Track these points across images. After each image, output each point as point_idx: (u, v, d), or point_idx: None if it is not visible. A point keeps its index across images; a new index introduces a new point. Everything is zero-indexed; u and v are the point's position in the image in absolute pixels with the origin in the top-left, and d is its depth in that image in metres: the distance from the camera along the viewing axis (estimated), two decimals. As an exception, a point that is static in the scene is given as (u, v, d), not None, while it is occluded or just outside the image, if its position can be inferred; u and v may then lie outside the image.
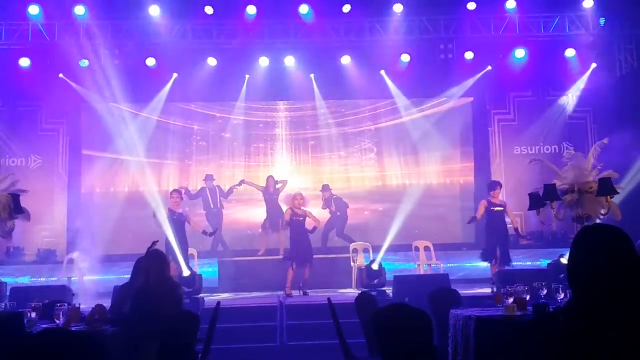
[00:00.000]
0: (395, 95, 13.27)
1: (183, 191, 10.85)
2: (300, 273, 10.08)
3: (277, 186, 11.80)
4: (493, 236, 10.02)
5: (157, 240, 5.31)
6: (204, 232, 10.25)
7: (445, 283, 8.15)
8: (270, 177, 12.00)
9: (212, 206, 12.12)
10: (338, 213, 12.25)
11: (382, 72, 13.16)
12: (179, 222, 9.74)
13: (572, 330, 2.16)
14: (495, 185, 10.37)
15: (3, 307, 5.72)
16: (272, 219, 11.69)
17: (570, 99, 13.45)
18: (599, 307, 2.14)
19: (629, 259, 2.20)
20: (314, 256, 10.29)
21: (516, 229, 10.50)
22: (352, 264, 11.08)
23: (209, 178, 12.34)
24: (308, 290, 10.06)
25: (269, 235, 11.84)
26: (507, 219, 10.32)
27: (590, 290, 2.19)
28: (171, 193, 10.19)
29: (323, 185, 12.37)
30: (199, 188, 12.47)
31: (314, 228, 10.28)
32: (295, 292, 9.95)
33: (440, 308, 5.45)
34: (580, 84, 13.18)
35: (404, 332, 4.19)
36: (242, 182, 12.26)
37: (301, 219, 10.08)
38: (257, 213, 12.48)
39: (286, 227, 10.40)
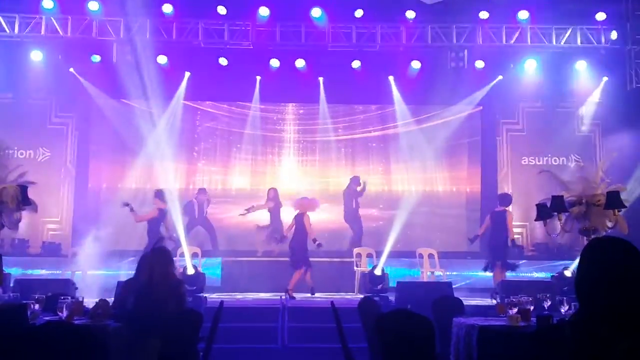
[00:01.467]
0: (404, 102, 13.26)
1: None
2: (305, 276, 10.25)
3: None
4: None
5: (164, 237, 5.31)
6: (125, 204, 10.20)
7: (448, 291, 8.13)
8: (274, 190, 12.15)
9: (197, 217, 12.15)
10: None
11: (391, 78, 13.17)
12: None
13: (579, 343, 2.14)
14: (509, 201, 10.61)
15: (7, 298, 5.74)
16: (274, 228, 11.83)
17: (580, 111, 13.41)
18: (605, 319, 2.12)
19: (637, 272, 2.19)
20: (319, 259, 10.49)
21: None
22: (355, 268, 11.08)
23: (202, 192, 12.33)
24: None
25: (269, 242, 11.84)
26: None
27: (597, 303, 2.18)
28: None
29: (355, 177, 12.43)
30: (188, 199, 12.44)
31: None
32: (299, 295, 10.00)
33: (443, 316, 5.43)
34: (591, 97, 13.15)
35: (407, 338, 4.18)
36: (250, 209, 12.26)
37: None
38: (259, 214, 12.47)
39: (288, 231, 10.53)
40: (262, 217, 12.30)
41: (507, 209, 10.42)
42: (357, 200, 12.34)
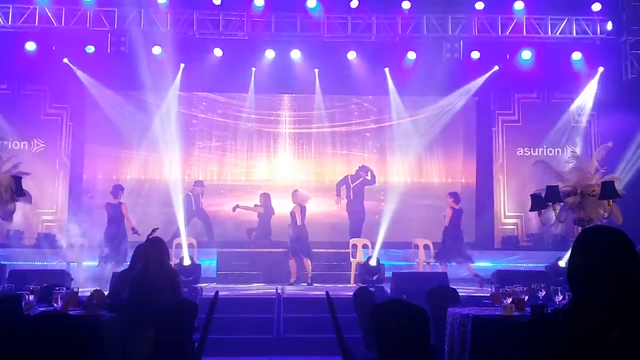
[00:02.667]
0: (399, 93, 13.23)
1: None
2: (301, 265, 10.69)
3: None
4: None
5: (157, 228, 5.28)
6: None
7: (444, 281, 8.14)
8: (266, 195, 12.08)
9: (194, 208, 12.12)
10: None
11: (386, 70, 13.13)
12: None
13: (572, 331, 2.15)
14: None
15: (2, 289, 5.74)
16: (261, 233, 11.86)
17: (575, 102, 13.40)
18: (598, 308, 2.13)
19: (630, 261, 2.20)
20: (315, 250, 10.86)
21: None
22: (351, 259, 11.11)
23: (198, 184, 12.35)
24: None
25: (256, 245, 11.91)
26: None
27: (590, 291, 2.19)
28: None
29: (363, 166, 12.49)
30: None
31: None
32: (295, 286, 10.21)
33: (438, 306, 5.45)
34: (586, 87, 13.14)
35: (402, 328, 4.20)
36: (235, 207, 12.15)
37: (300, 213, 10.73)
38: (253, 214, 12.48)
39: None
40: (255, 218, 12.26)
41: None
42: (364, 189, 12.30)
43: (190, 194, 12.20)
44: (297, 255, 10.71)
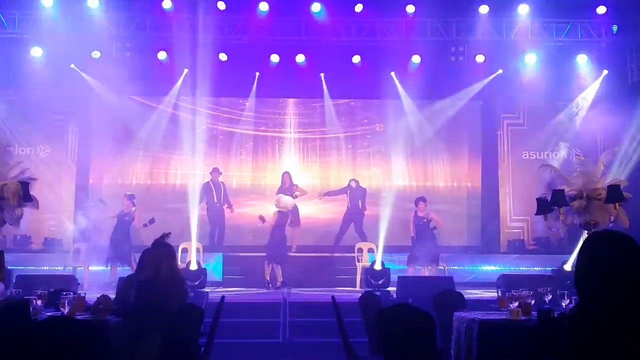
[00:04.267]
0: (404, 96, 13.24)
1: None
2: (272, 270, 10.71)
3: (297, 189, 11.75)
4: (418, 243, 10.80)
5: (170, 233, 5.25)
6: (144, 225, 10.56)
7: (450, 285, 8.13)
8: (286, 174, 11.99)
9: (215, 201, 12.11)
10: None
11: (392, 74, 13.13)
12: (124, 222, 10.76)
13: (578, 336, 2.15)
14: (418, 201, 11.06)
15: (9, 294, 5.75)
16: (283, 215, 11.72)
17: (580, 105, 13.38)
18: (605, 312, 2.13)
19: (636, 265, 2.20)
20: (321, 254, 10.95)
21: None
22: (357, 263, 11.11)
23: (215, 171, 12.36)
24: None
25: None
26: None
27: (597, 296, 2.19)
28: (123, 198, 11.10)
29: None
30: (205, 181, 12.44)
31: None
32: (298, 290, 10.14)
33: (444, 310, 5.44)
34: (591, 90, 13.11)
35: (407, 332, 4.19)
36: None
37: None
38: (262, 209, 12.44)
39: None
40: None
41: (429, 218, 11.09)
42: (357, 199, 12.30)
43: (210, 183, 12.20)
44: (272, 261, 10.66)
